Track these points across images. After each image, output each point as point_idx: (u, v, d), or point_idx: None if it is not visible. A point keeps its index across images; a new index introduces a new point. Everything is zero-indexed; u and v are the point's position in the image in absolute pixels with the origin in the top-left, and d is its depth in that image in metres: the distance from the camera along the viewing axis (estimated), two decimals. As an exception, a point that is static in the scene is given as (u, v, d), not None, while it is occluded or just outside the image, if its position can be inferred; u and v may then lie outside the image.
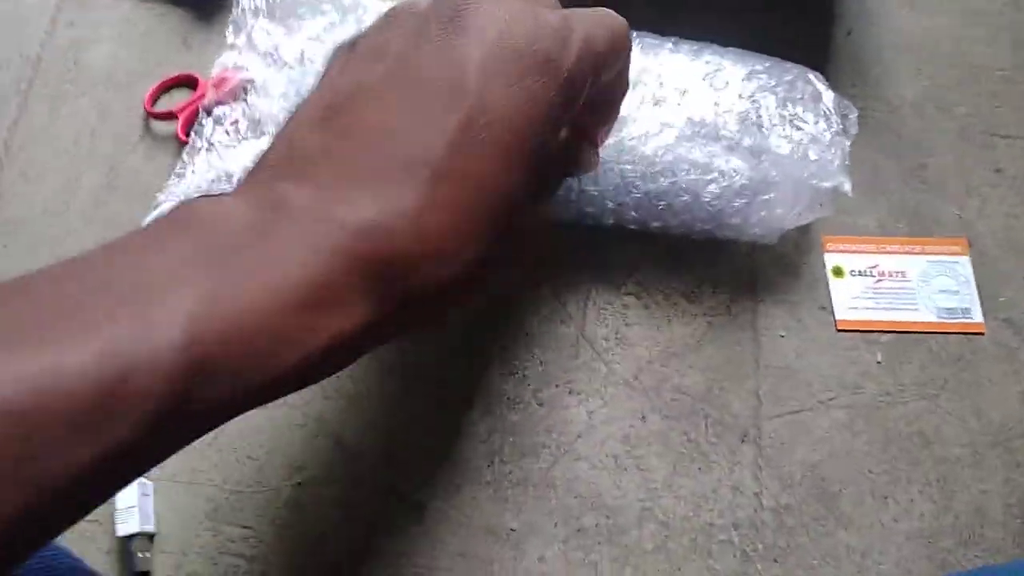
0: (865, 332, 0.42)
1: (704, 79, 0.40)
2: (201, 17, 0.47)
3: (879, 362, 0.42)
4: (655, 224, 0.41)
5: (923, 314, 0.43)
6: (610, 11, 0.28)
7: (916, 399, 0.41)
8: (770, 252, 0.43)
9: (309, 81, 0.39)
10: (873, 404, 0.41)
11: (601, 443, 0.39)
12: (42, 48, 0.45)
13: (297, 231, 0.21)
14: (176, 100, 0.44)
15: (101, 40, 0.46)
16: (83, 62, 0.45)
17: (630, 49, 0.29)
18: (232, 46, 0.41)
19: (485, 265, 0.24)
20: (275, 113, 0.40)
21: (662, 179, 0.39)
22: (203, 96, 0.42)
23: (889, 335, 0.42)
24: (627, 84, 0.30)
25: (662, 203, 0.40)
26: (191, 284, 0.19)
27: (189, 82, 0.44)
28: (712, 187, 0.39)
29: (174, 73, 0.44)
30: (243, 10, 0.42)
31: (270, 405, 0.36)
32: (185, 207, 0.21)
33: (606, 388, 0.40)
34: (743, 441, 0.40)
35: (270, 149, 0.24)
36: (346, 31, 0.41)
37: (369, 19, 0.41)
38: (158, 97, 0.44)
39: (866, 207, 0.45)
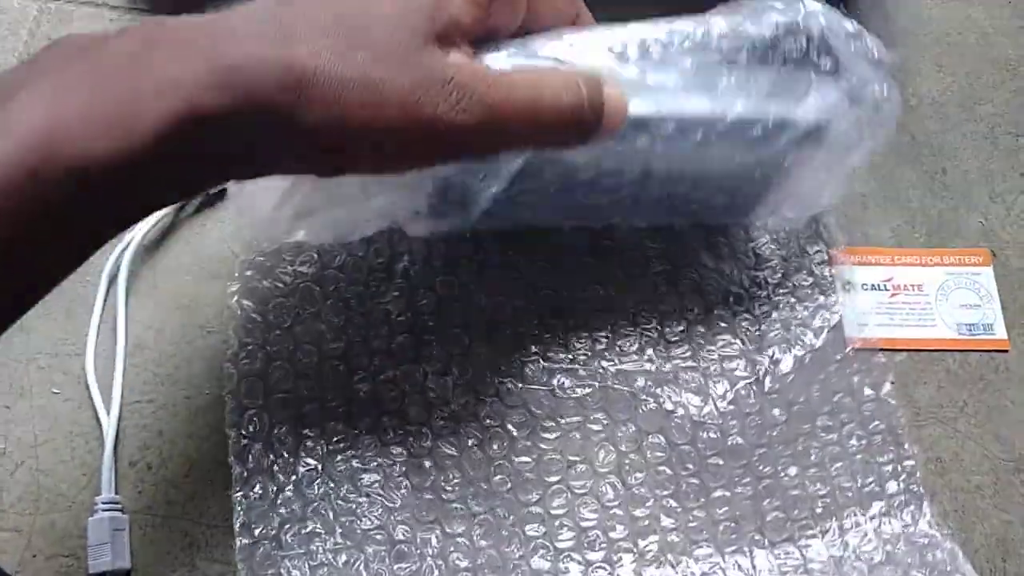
0: (878, 350, 0.40)
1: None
2: (182, 27, 0.45)
3: (892, 383, 0.39)
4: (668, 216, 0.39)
5: (941, 330, 0.40)
6: None
7: (933, 423, 0.39)
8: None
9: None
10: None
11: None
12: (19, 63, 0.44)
13: (171, 49, 0.24)
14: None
15: (80, 54, 0.44)
16: (61, 77, 0.44)
17: None
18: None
19: (386, 95, 0.25)
20: None
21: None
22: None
23: (904, 353, 0.40)
24: None
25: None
26: (49, 88, 0.23)
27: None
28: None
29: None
30: None
31: None
32: (66, 39, 0.25)
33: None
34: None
35: None
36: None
37: None
38: (137, 112, 0.43)
39: (880, 216, 0.42)
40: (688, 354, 0.38)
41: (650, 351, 0.38)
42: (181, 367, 0.38)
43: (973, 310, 0.41)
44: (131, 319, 0.38)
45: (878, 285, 0.41)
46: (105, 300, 0.38)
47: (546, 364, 0.38)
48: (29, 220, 0.22)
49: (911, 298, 0.41)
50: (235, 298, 0.38)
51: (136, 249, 0.38)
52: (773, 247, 0.40)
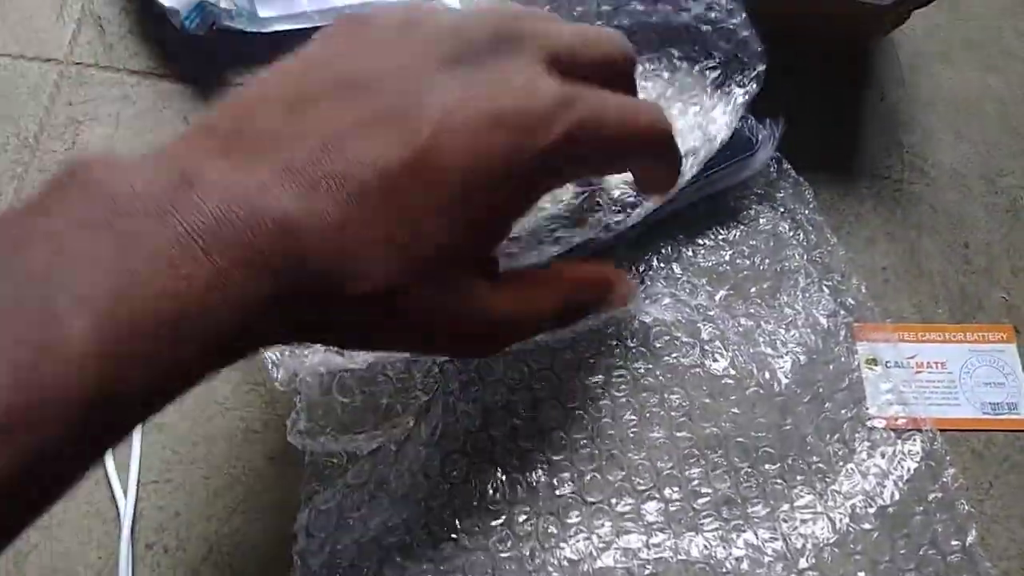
0: (901, 430, 0.39)
1: None
2: (202, 92, 0.45)
3: (917, 464, 0.39)
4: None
5: (965, 409, 0.40)
6: (648, 104, 0.29)
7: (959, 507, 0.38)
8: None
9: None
10: (910, 512, 0.38)
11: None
12: (40, 128, 0.44)
13: (210, 214, 0.20)
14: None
15: (99, 119, 0.44)
16: (80, 143, 0.44)
17: (662, 145, 0.30)
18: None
19: (409, 302, 0.24)
20: None
21: None
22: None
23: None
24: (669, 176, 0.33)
25: None
26: (96, 270, 0.19)
27: (187, 164, 0.43)
28: None
29: (172, 155, 0.43)
30: None
31: (268, 514, 0.36)
32: (84, 166, 0.21)
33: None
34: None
35: (212, 117, 0.24)
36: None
37: None
38: (156, 180, 0.42)
39: (902, 290, 0.42)
40: (765, 512, 0.37)
41: (725, 510, 0.37)
42: (199, 445, 0.37)
43: (997, 388, 0.40)
44: (149, 395, 0.38)
45: (902, 362, 0.40)
46: (123, 375, 0.38)
47: (620, 543, 0.36)
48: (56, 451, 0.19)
49: (935, 376, 0.40)
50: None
51: (155, 323, 0.38)
52: (850, 408, 0.39)
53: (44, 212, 0.20)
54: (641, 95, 0.37)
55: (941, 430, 0.39)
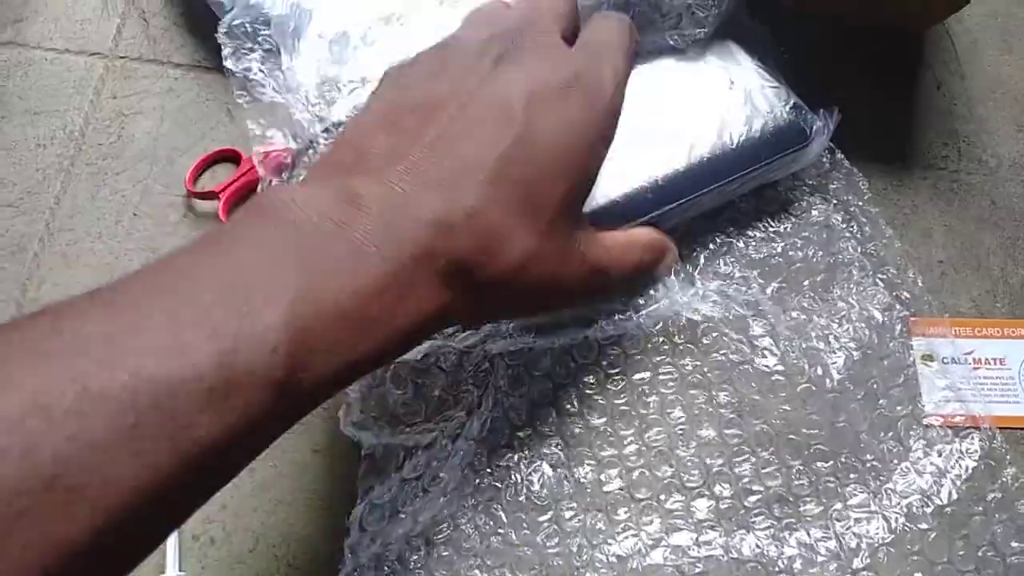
0: (958, 428, 0.38)
1: None
2: (245, 85, 0.45)
3: (975, 463, 0.37)
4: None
5: (1026, 407, 0.39)
6: (611, 20, 0.32)
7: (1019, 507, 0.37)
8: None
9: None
10: (968, 512, 0.37)
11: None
12: (85, 122, 0.44)
13: (376, 223, 0.24)
14: (219, 176, 0.43)
15: (144, 112, 0.44)
16: (125, 136, 0.44)
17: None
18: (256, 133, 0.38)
19: (539, 263, 0.27)
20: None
21: None
22: (245, 175, 0.41)
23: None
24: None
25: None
26: (285, 275, 0.22)
27: (232, 157, 0.43)
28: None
29: (216, 147, 0.43)
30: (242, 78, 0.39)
31: (314, 506, 0.35)
32: (264, 199, 0.24)
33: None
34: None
35: (334, 151, 0.28)
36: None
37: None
38: (200, 173, 0.43)
39: (960, 284, 0.41)
40: (818, 510, 0.36)
41: (777, 508, 0.36)
42: (245, 438, 0.37)
43: (1059, 386, 0.39)
44: (196, 387, 0.38)
45: (959, 358, 0.39)
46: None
47: (670, 541, 0.36)
48: (247, 427, 0.21)
49: (994, 372, 0.39)
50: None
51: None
52: (905, 406, 0.38)
53: (242, 231, 0.24)
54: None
55: (1000, 428, 0.38)
